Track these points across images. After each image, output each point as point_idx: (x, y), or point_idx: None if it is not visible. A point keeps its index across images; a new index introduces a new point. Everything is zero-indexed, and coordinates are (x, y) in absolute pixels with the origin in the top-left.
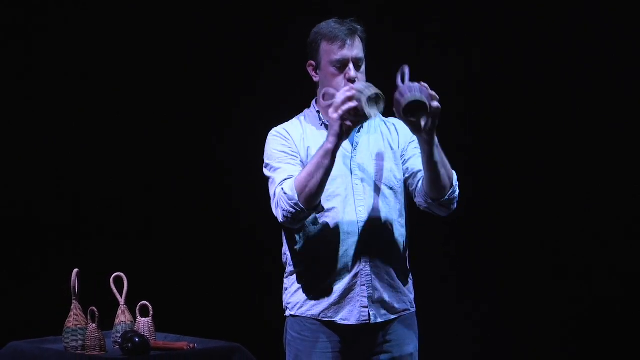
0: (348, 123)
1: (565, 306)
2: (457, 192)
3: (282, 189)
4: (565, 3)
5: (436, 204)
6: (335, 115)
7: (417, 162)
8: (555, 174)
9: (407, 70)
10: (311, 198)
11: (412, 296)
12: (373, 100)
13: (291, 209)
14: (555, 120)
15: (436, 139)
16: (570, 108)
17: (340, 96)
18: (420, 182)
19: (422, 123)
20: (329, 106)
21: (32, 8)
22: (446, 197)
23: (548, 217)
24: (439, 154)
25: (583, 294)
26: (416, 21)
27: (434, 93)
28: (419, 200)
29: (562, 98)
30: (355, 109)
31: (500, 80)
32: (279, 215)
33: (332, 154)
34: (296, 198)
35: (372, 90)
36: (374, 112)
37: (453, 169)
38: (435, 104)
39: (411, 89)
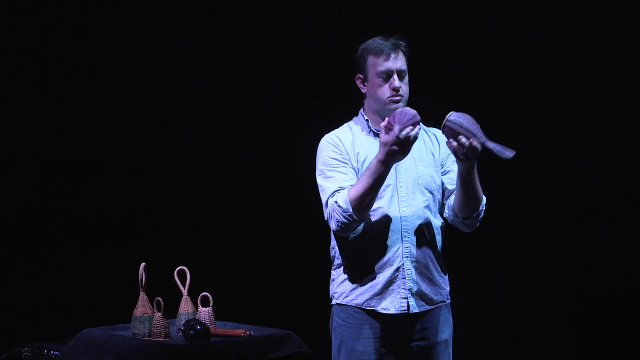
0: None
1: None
2: (483, 215)
3: (336, 202)
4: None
5: (461, 221)
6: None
7: (452, 179)
8: (566, 173)
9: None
10: (365, 210)
11: (447, 289)
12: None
13: (345, 220)
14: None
15: (475, 169)
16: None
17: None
18: (451, 199)
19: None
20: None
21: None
22: (472, 217)
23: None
24: (474, 181)
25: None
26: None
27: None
28: (446, 213)
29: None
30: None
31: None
32: (332, 225)
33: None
34: (351, 210)
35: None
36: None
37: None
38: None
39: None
